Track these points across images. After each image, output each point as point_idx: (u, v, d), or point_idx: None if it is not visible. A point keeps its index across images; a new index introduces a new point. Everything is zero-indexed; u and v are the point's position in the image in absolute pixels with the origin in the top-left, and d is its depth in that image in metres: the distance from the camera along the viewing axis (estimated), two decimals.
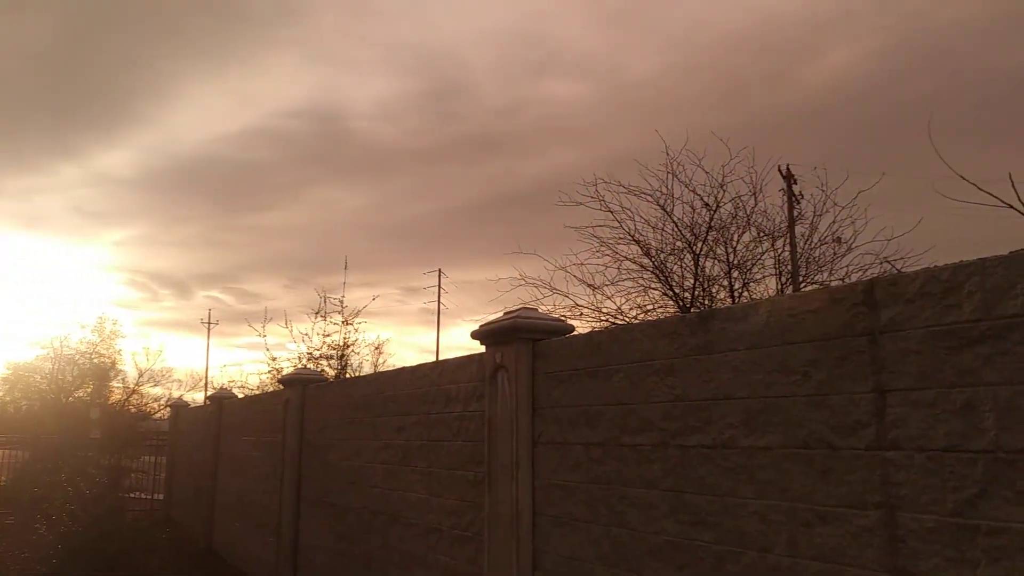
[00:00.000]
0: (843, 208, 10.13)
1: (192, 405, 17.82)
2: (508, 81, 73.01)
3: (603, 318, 10.70)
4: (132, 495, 16.26)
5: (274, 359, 16.77)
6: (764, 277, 10.70)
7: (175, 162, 78.37)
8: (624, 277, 10.72)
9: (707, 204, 10.38)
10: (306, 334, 15.94)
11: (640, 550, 3.48)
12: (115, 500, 12.80)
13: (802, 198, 13.49)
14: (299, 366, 15.15)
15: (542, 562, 4.16)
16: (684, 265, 10.67)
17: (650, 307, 10.72)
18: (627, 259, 10.74)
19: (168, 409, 20.51)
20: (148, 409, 33.91)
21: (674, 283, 10.68)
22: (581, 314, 10.75)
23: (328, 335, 15.90)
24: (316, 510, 7.74)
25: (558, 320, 4.68)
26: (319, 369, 14.57)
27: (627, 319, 10.50)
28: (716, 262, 10.58)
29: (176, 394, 32.17)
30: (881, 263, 9.50)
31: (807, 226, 11.02)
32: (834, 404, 2.69)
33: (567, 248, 11.46)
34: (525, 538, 4.24)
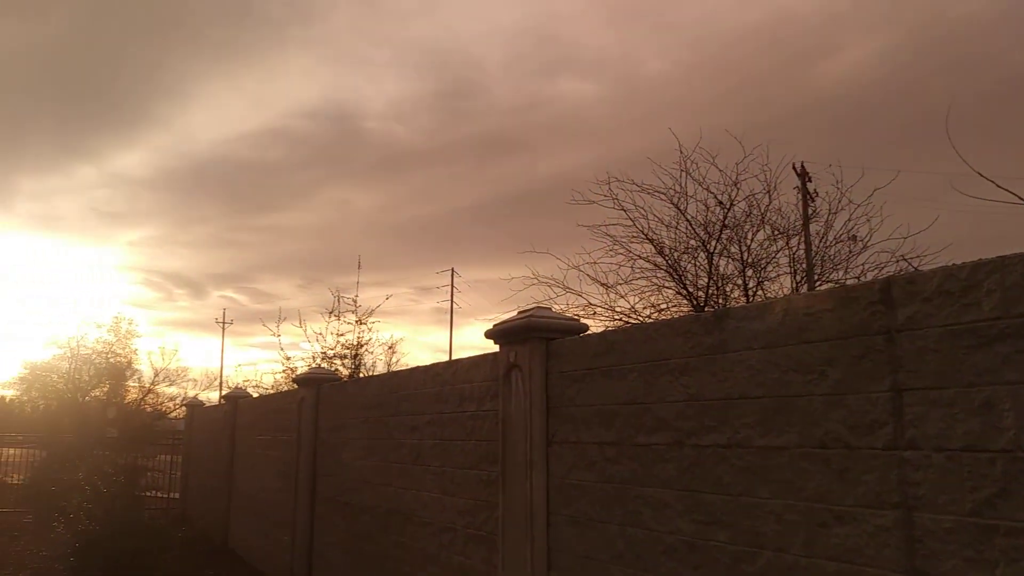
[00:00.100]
0: (858, 206, 10.07)
1: (207, 404, 17.91)
2: (521, 80, 73.08)
3: (616, 317, 10.68)
4: (148, 494, 16.36)
5: (288, 358, 16.87)
6: (778, 275, 10.65)
7: (190, 162, 79.07)
8: (637, 276, 10.70)
9: (721, 202, 10.34)
10: (320, 334, 16.01)
11: (655, 550, 3.47)
12: (132, 499, 12.88)
13: (817, 196, 13.39)
14: (313, 365, 15.21)
15: (557, 561, 4.15)
16: (698, 264, 10.63)
17: (664, 306, 10.70)
18: (640, 258, 10.71)
19: (183, 408, 20.66)
20: (164, 408, 34.20)
21: (688, 282, 10.64)
22: (594, 313, 10.74)
23: (342, 335, 15.97)
24: (331, 509, 7.77)
25: (572, 319, 4.67)
26: (333, 368, 14.62)
27: (641, 318, 10.48)
28: (730, 260, 10.53)
29: (191, 393, 32.42)
30: (897, 261, 9.44)
31: (822, 224, 10.94)
32: (851, 403, 2.67)
33: (580, 247, 11.46)
34: (540, 537, 4.23)
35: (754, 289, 10.42)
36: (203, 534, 12.83)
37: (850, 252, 10.37)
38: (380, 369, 17.12)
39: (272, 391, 16.63)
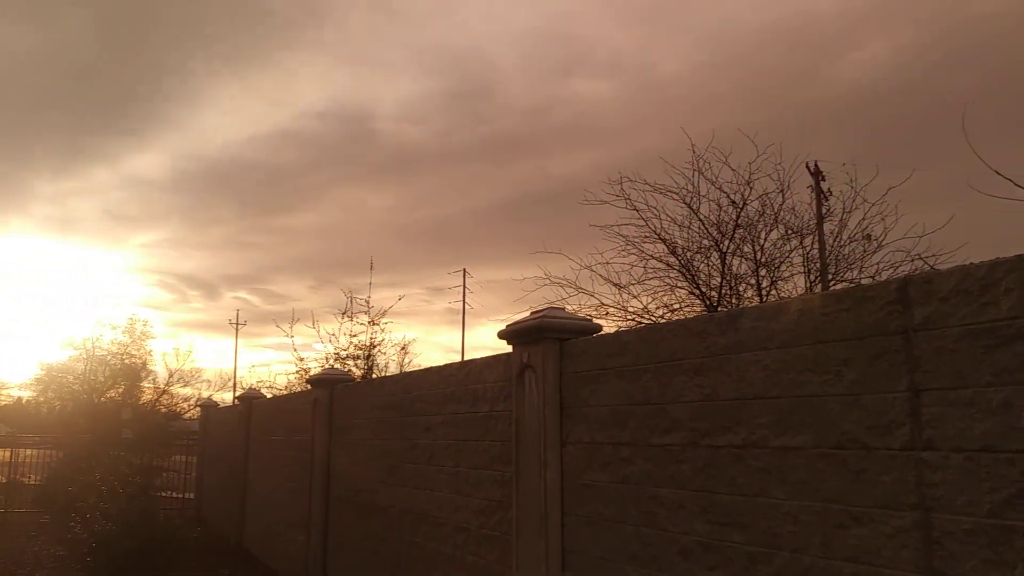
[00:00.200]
0: (873, 205, 10.02)
1: (221, 405, 18.00)
2: (536, 81, 73.05)
3: (629, 317, 10.66)
4: (163, 494, 16.48)
5: (301, 359, 16.94)
6: (792, 275, 10.61)
7: (204, 164, 79.58)
8: (650, 276, 10.68)
9: (734, 202, 10.31)
10: (333, 334, 16.06)
11: (670, 550, 3.46)
12: (147, 499, 12.96)
13: (831, 195, 13.32)
14: (326, 366, 15.25)
15: (571, 562, 4.15)
16: (711, 263, 10.61)
17: (677, 306, 10.67)
18: (653, 257, 10.70)
19: (198, 409, 20.79)
20: (178, 409, 34.44)
21: (701, 282, 10.61)
22: (607, 313, 10.73)
23: (355, 335, 16.01)
24: (345, 509, 7.79)
25: (585, 319, 4.66)
26: (346, 369, 14.66)
27: (654, 318, 10.45)
28: (743, 260, 10.50)
29: (205, 394, 32.66)
30: (912, 260, 9.38)
31: (836, 223, 10.90)
32: (868, 404, 2.66)
33: (592, 247, 11.46)
34: (554, 538, 4.23)
35: (767, 289, 10.38)
36: (218, 534, 12.90)
37: (864, 251, 10.33)
38: (393, 370, 17.16)
39: (285, 392, 16.69)
